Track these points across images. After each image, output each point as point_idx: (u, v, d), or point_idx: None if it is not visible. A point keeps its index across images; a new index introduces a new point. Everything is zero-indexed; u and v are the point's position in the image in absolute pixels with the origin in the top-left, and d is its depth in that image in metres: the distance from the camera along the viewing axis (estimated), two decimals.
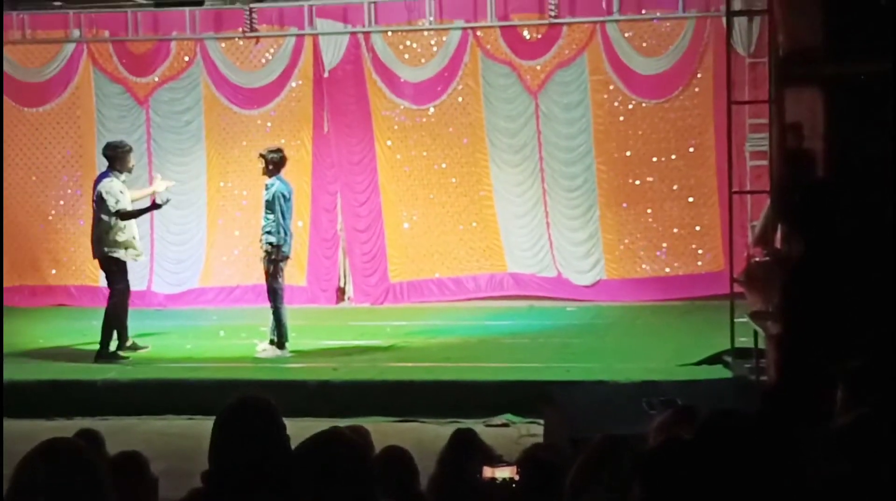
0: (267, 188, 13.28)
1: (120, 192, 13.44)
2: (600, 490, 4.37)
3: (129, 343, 13.62)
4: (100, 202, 13.44)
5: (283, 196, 13.21)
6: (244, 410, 4.22)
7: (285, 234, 13.23)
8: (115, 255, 13.49)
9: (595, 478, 4.30)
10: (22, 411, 11.55)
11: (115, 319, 13.49)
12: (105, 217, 13.41)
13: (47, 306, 16.91)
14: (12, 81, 17.24)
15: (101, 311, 13.65)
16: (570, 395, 9.26)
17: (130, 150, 13.86)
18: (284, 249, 13.28)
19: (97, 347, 13.43)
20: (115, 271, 13.55)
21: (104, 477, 3.33)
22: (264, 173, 13.35)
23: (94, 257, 13.75)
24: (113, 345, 13.48)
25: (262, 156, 13.38)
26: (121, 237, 13.47)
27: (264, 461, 4.02)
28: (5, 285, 17.28)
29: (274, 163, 13.31)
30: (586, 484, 4.31)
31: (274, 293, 13.40)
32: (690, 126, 16.21)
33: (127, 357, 13.39)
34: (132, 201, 13.57)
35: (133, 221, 13.66)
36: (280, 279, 13.43)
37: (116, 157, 13.57)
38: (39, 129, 17.32)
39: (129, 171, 13.70)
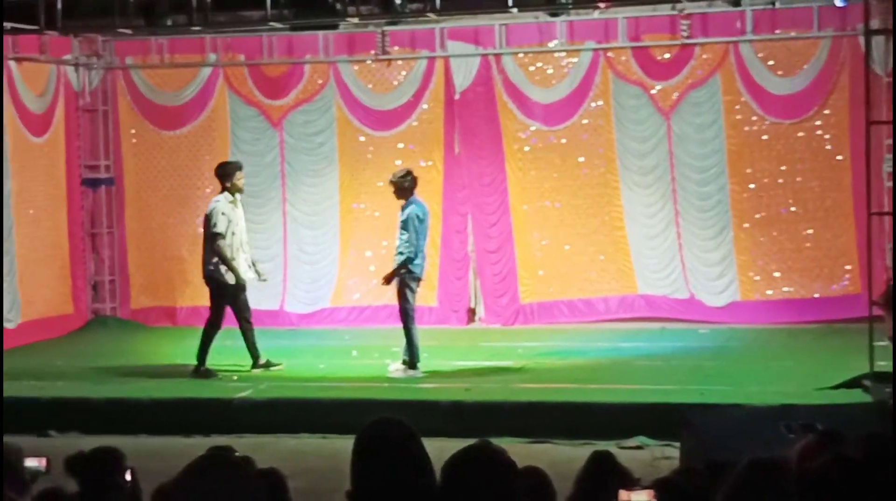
0: (402, 210, 13.35)
1: (221, 214, 13.54)
2: None
3: (262, 361, 13.75)
4: (206, 223, 13.66)
5: (418, 217, 13.26)
6: (385, 429, 4.22)
7: (416, 255, 13.26)
8: (216, 276, 13.58)
9: None
10: (160, 428, 11.82)
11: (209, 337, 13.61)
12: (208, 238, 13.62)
13: (183, 326, 17.19)
14: (151, 104, 17.63)
15: (235, 331, 13.82)
16: (707, 418, 9.17)
17: (238, 167, 13.90)
18: (415, 270, 13.30)
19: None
20: (214, 291, 13.69)
21: (257, 490, 3.40)
22: (397, 198, 13.41)
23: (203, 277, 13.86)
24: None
25: (391, 182, 13.46)
26: (226, 256, 13.52)
27: (409, 479, 4.02)
28: (142, 305, 17.68)
29: (402, 187, 13.36)
30: None
31: (405, 314, 13.44)
32: (826, 146, 15.98)
33: (217, 374, 13.51)
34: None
35: (246, 245, 13.76)
36: (411, 300, 13.47)
37: (225, 174, 13.71)
38: (176, 151, 17.66)
39: (241, 191, 13.77)
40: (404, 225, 13.25)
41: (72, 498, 5.32)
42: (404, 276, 13.32)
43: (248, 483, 3.34)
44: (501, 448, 4.18)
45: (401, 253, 13.29)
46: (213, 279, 13.64)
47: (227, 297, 13.64)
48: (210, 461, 3.37)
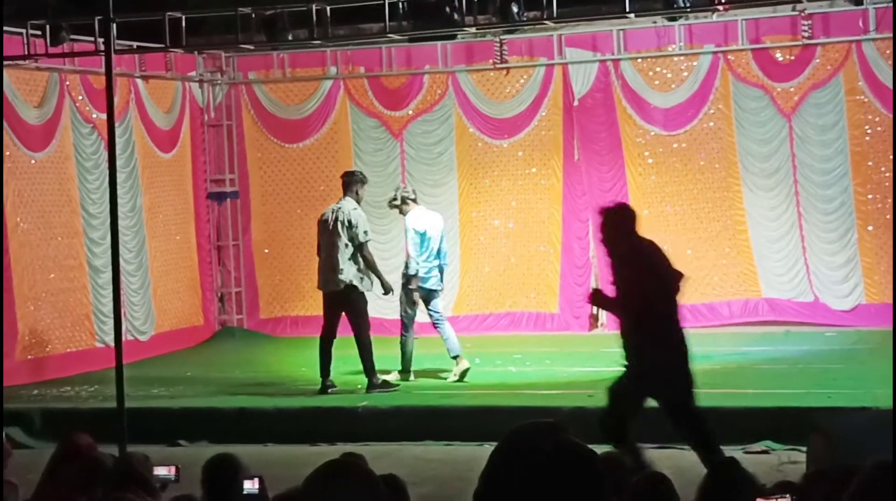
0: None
1: (366, 221, 13.29)
2: None
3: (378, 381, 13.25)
4: (347, 228, 13.05)
5: (414, 230, 13.37)
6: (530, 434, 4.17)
7: (417, 266, 13.36)
8: (357, 284, 13.10)
9: None
10: (286, 437, 11.99)
11: (370, 348, 13.18)
12: (349, 245, 13.07)
13: (310, 335, 17.36)
14: (274, 118, 17.94)
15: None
16: (834, 422, 9.06)
17: (365, 180, 13.58)
18: (420, 282, 13.42)
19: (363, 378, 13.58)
20: (361, 300, 13.18)
21: (382, 494, 3.47)
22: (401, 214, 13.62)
23: (324, 288, 13.23)
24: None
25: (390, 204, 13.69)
26: (362, 265, 13.14)
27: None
28: (271, 315, 17.96)
29: (396, 207, 13.61)
30: None
31: (401, 321, 13.62)
32: None
33: (398, 385, 13.32)
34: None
35: None
36: (409, 309, 13.56)
37: (352, 182, 13.29)
38: (301, 163, 17.93)
39: (360, 201, 13.43)
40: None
41: None
42: (406, 282, 13.52)
43: (371, 489, 3.41)
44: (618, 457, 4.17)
45: (406, 263, 13.56)
46: (351, 288, 13.08)
47: (365, 305, 13.21)
48: (333, 467, 3.44)
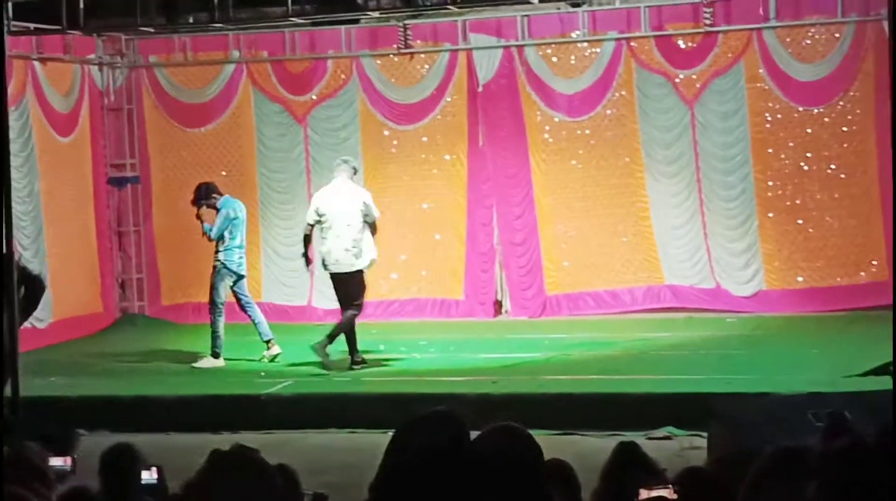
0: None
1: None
2: None
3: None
4: (366, 211, 13.54)
5: (228, 216, 14.00)
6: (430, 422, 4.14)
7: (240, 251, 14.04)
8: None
9: (767, 492, 4.23)
10: (188, 425, 11.85)
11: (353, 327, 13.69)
12: (368, 226, 13.59)
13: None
14: (175, 102, 17.70)
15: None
16: (734, 407, 9.14)
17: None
18: (230, 266, 14.00)
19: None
20: (363, 277, 13.75)
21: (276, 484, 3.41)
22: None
23: (350, 269, 13.61)
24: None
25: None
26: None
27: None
28: (173, 302, 17.75)
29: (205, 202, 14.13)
30: (758, 499, 4.24)
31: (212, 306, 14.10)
32: (851, 133, 15.91)
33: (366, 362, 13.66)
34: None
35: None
36: (222, 294, 14.10)
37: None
38: (202, 149, 17.72)
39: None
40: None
41: (97, 497, 5.34)
42: (219, 270, 14.00)
43: (265, 480, 3.35)
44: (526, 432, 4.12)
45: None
46: (363, 271, 13.65)
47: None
48: (226, 458, 3.38)
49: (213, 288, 14.11)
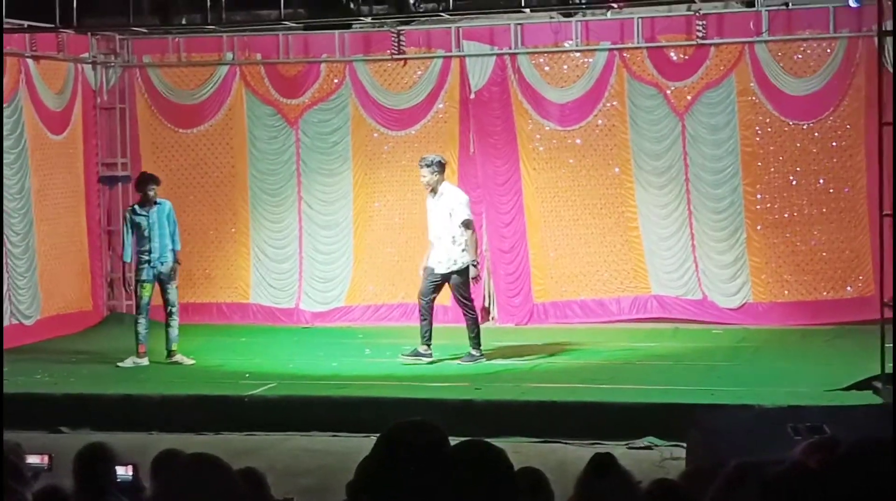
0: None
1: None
2: None
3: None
4: (460, 212, 13.86)
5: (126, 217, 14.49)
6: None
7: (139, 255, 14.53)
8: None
9: None
10: (172, 425, 11.87)
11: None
12: (462, 227, 13.88)
13: (199, 323, 17.22)
14: (168, 103, 17.72)
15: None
16: (715, 419, 9.17)
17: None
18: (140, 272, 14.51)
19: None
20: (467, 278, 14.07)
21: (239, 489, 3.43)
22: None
23: (448, 270, 14.04)
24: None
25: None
26: None
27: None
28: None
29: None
30: None
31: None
32: (840, 148, 15.96)
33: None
34: None
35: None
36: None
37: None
38: (194, 150, 17.73)
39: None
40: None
41: (71, 496, 5.36)
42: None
43: (227, 485, 3.37)
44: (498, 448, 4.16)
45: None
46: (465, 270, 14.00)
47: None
48: (189, 465, 3.40)
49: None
